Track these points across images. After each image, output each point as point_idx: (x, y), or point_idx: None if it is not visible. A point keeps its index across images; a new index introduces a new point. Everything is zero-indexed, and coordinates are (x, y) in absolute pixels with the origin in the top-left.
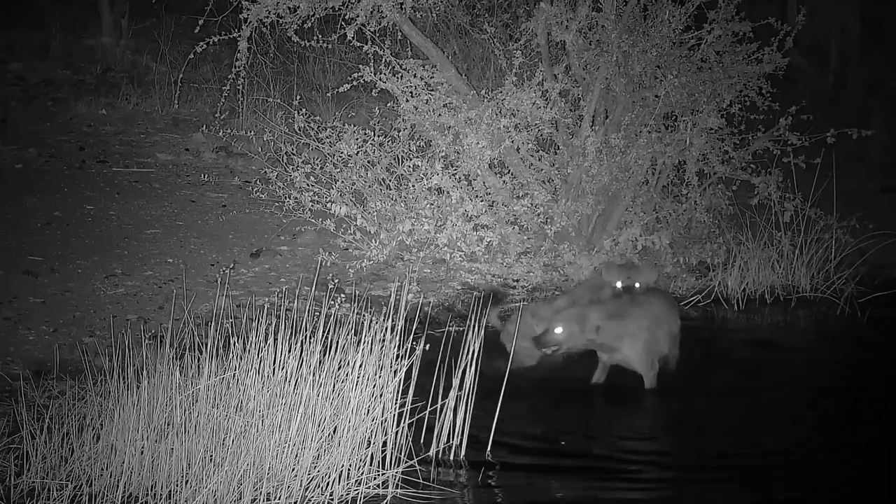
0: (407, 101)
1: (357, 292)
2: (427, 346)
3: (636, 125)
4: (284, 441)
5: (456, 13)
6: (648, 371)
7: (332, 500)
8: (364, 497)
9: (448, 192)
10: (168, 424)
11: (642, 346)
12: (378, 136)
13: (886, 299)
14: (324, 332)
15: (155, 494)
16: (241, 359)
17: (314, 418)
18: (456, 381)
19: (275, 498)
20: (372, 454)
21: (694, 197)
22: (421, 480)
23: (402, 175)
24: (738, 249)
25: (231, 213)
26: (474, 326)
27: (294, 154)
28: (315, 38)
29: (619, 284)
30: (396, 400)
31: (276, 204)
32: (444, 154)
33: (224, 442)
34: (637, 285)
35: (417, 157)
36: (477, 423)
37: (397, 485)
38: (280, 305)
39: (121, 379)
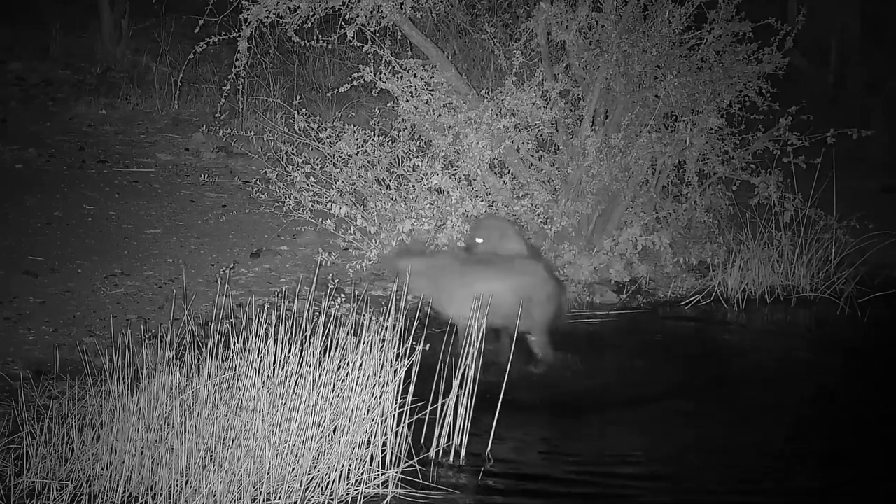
0: (407, 101)
1: (357, 292)
2: (427, 347)
3: (636, 125)
4: (284, 441)
5: (456, 13)
6: (462, 325)
7: (332, 500)
8: (364, 497)
9: (448, 192)
10: (168, 424)
11: (460, 301)
12: (378, 136)
13: (886, 299)
14: (324, 332)
15: (155, 494)
16: (241, 359)
17: (314, 418)
18: (456, 381)
19: (275, 498)
20: (372, 454)
21: (694, 197)
22: (421, 480)
23: (402, 175)
24: (738, 249)
25: (231, 213)
26: (474, 326)
27: (294, 154)
28: (315, 38)
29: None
30: (396, 400)
31: (276, 204)
32: (444, 154)
33: (224, 442)
34: (479, 241)
35: (417, 157)
36: (477, 423)
37: (397, 485)
38: (280, 305)
39: (121, 379)
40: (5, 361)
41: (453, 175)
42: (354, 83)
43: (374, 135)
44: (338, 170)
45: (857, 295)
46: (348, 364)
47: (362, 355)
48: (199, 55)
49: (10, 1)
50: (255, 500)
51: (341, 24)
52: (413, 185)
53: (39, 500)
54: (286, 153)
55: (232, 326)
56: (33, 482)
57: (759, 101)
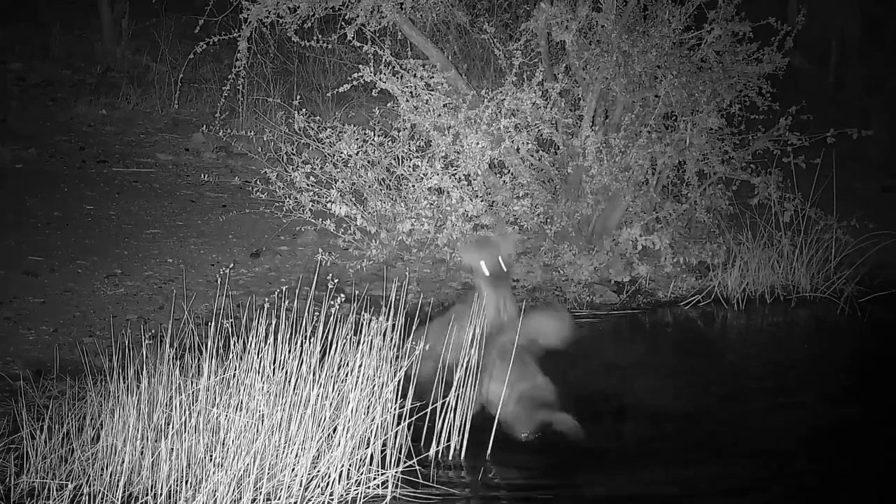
0: (407, 101)
1: (357, 292)
2: (427, 346)
3: (636, 125)
4: (284, 441)
5: (456, 13)
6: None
7: (331, 500)
8: (364, 497)
9: (448, 192)
10: (168, 424)
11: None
12: (378, 136)
13: (886, 299)
14: (324, 332)
15: (155, 494)
16: (241, 359)
17: (314, 418)
18: (456, 381)
19: (275, 498)
20: (371, 454)
21: (694, 197)
22: (421, 480)
23: (402, 175)
24: (738, 249)
25: (231, 213)
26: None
27: (294, 154)
28: (315, 38)
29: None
30: (396, 400)
31: (276, 204)
32: (444, 154)
33: (224, 442)
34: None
35: (417, 157)
36: (477, 423)
37: (397, 485)
38: (280, 305)
39: (121, 379)
40: (5, 361)
41: (453, 175)
42: (354, 83)
43: (374, 135)
44: (338, 170)
45: (857, 295)
46: (348, 364)
47: (362, 355)
48: (199, 55)
49: (10, 1)
50: (255, 500)
51: (341, 25)
52: (413, 185)
53: (39, 500)
54: (286, 153)
55: (232, 326)
56: (33, 482)
57: (759, 101)
